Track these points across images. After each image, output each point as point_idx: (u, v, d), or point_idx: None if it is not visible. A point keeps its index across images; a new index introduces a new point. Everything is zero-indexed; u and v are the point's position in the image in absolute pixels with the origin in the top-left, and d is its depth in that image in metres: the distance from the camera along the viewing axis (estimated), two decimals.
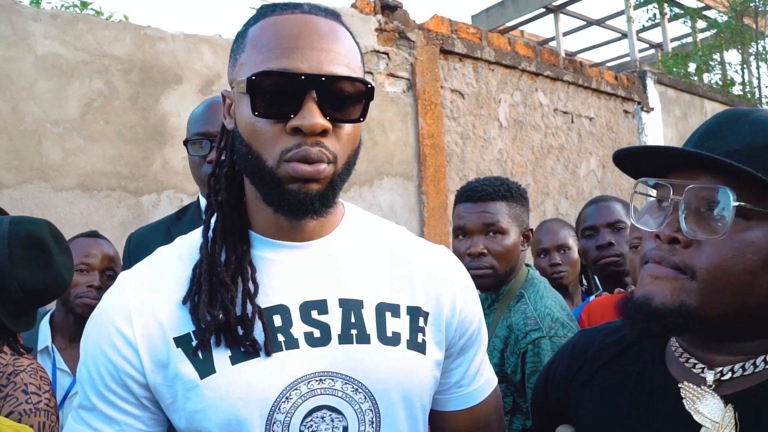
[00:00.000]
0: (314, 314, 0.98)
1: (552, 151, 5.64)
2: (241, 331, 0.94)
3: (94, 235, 2.25)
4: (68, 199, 3.10)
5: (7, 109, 3.00)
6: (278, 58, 0.90)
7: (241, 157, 0.96)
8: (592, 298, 2.39)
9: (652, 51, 16.13)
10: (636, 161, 0.97)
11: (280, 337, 0.95)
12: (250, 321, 0.94)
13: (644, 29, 15.27)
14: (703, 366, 0.91)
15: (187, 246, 1.04)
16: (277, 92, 0.89)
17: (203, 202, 1.94)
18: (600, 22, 15.13)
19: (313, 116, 0.88)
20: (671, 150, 0.89)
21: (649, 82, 6.70)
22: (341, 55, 0.93)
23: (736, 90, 12.42)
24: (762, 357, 0.87)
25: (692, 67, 12.89)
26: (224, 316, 0.93)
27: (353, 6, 4.45)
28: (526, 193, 1.96)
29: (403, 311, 1.03)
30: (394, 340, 1.01)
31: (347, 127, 0.94)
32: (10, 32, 3.04)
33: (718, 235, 0.81)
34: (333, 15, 0.98)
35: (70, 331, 2.13)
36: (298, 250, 1.01)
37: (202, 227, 1.03)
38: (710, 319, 0.85)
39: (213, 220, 1.02)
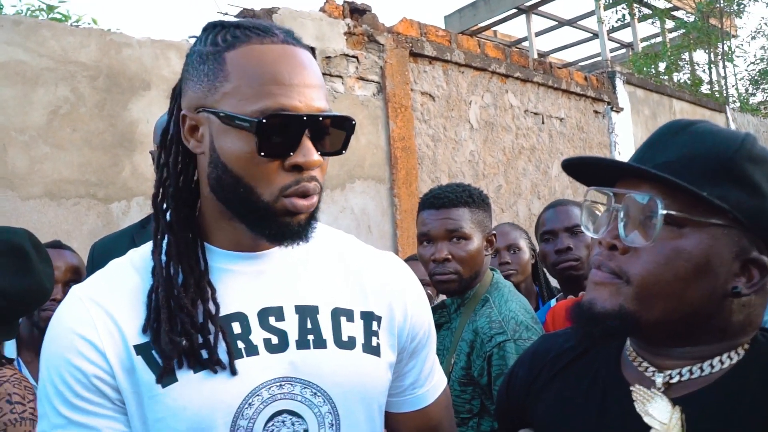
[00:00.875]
0: (272, 321, 1.00)
1: (523, 152, 5.69)
2: (205, 354, 0.95)
3: (56, 245, 2.21)
4: (36, 207, 3.06)
5: None
6: (275, 96, 0.93)
7: (224, 187, 0.97)
8: (553, 301, 2.43)
9: (623, 50, 16.36)
10: (587, 170, 1.00)
11: (240, 344, 0.97)
12: (214, 342, 0.95)
13: (614, 29, 15.47)
14: (654, 369, 0.94)
15: (141, 258, 1.05)
16: (280, 132, 0.93)
17: None
18: (571, 23, 15.29)
19: (312, 153, 0.94)
20: (607, 162, 0.93)
21: (618, 83, 6.80)
22: (322, 89, 0.98)
23: (705, 89, 12.64)
24: (708, 361, 0.90)
25: (662, 66, 13.10)
26: (187, 342, 0.94)
27: (322, 10, 4.45)
28: (488, 198, 1.99)
29: (357, 316, 1.07)
30: (349, 344, 1.04)
31: (328, 158, 1.00)
32: None
33: (649, 240, 0.84)
34: (301, 42, 1.01)
35: (36, 344, 2.09)
36: (256, 260, 1.04)
37: (150, 245, 1.03)
38: (648, 324, 0.88)
39: (164, 243, 1.02)
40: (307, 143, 0.93)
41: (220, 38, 0.97)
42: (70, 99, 3.24)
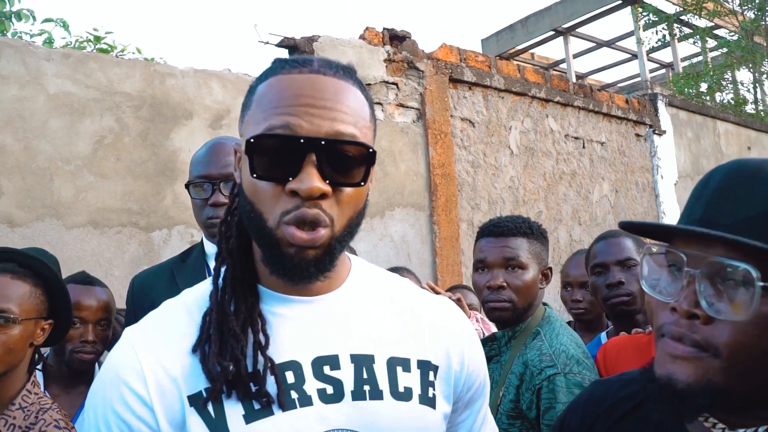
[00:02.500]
0: (326, 370, 0.96)
1: (564, 177, 5.60)
2: (253, 387, 0.91)
3: (86, 281, 2.14)
4: (79, 236, 3.10)
5: (20, 147, 3.02)
6: (279, 116, 0.90)
7: (244, 213, 0.96)
8: (603, 336, 2.35)
9: (663, 71, 16.13)
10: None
11: (294, 394, 0.93)
12: (263, 375, 0.92)
13: (654, 49, 15.28)
14: (723, 426, 0.87)
15: (194, 299, 1.02)
16: (276, 154, 0.89)
17: (207, 245, 1.93)
18: (610, 44, 15.16)
19: (311, 180, 0.87)
20: (680, 230, 0.85)
21: (660, 105, 6.67)
22: (346, 114, 0.92)
23: (750, 109, 12.36)
24: None
25: (704, 86, 12.87)
26: (234, 368, 0.91)
27: (361, 37, 4.47)
28: (546, 233, 1.99)
29: (413, 365, 1.02)
30: (406, 395, 1.00)
31: (348, 191, 0.93)
32: (23, 72, 3.07)
33: (743, 314, 0.77)
34: (344, 72, 0.97)
35: (64, 379, 2.08)
36: (307, 305, 1.00)
37: (211, 277, 1.02)
38: (740, 394, 0.81)
39: (223, 269, 1.01)
40: (308, 169, 0.87)
41: (263, 73, 0.98)
42: (114, 129, 3.29)
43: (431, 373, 1.04)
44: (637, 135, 6.42)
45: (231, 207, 1.04)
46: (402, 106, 4.54)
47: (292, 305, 0.99)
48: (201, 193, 1.85)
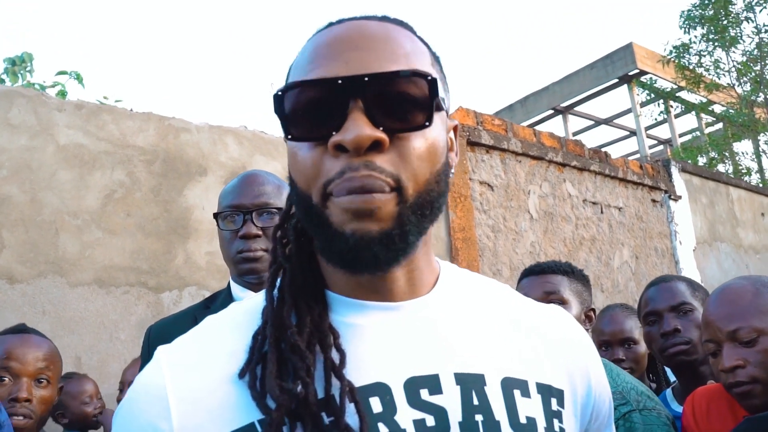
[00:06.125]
0: (424, 395, 0.72)
1: (584, 243, 5.41)
2: (327, 419, 0.67)
3: (21, 330, 1.82)
4: (84, 295, 2.85)
5: (26, 199, 2.82)
6: (315, 69, 0.71)
7: (294, 203, 0.76)
8: (668, 392, 2.10)
9: (661, 147, 16.30)
10: None
11: (382, 428, 0.69)
12: (339, 402, 0.67)
13: (652, 126, 15.49)
14: None
15: (245, 312, 0.79)
16: (314, 107, 0.69)
17: (235, 288, 1.70)
18: (608, 121, 15.37)
19: (358, 127, 0.66)
20: None
21: (674, 171, 6.57)
22: (395, 53, 0.72)
23: (754, 179, 12.39)
24: None
25: (702, 160, 12.95)
26: (303, 390, 0.67)
27: None
28: (588, 278, 1.97)
29: (532, 389, 0.78)
30: (529, 427, 0.74)
31: (415, 140, 0.70)
32: (34, 122, 2.92)
33: None
34: (395, 20, 0.78)
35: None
36: (391, 312, 0.76)
37: (264, 290, 0.79)
38: None
39: (279, 279, 0.79)
40: (355, 116, 0.67)
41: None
42: (125, 183, 3.10)
43: (554, 401, 0.79)
44: (653, 200, 6.29)
45: (288, 212, 0.82)
46: None
47: (371, 313, 0.76)
48: (230, 224, 1.64)
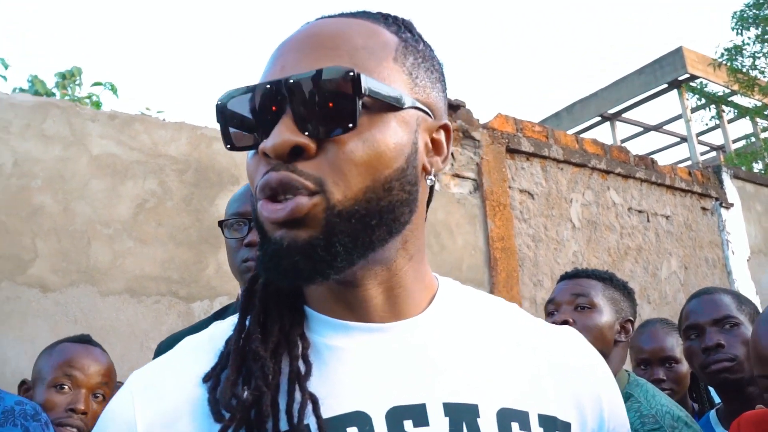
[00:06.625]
0: (408, 426, 0.65)
1: (630, 253, 5.22)
2: (285, 426, 0.62)
3: (84, 340, 1.80)
4: (115, 304, 2.86)
5: (59, 209, 2.84)
6: (261, 76, 0.69)
7: None
8: (712, 414, 1.95)
9: (714, 154, 15.77)
10: None
11: None
12: (298, 417, 0.62)
13: (703, 132, 15.01)
14: None
15: (223, 331, 0.73)
16: (247, 114, 0.66)
17: None
18: (658, 128, 14.96)
19: (279, 133, 0.63)
20: None
21: (725, 177, 6.30)
22: (336, 50, 0.66)
23: None
24: None
25: (758, 166, 12.47)
26: (254, 399, 0.62)
27: None
28: (632, 291, 1.84)
29: (534, 421, 0.69)
30: None
31: (351, 143, 0.63)
32: (68, 133, 2.95)
33: None
34: (359, 13, 0.73)
35: None
36: (376, 334, 0.69)
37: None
38: None
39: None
40: (282, 121, 0.63)
41: None
42: (157, 192, 3.11)
43: None
44: (703, 208, 6.04)
45: None
46: (458, 176, 4.30)
47: (354, 334, 0.69)
48: (236, 233, 1.62)
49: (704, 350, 1.78)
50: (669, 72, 13.09)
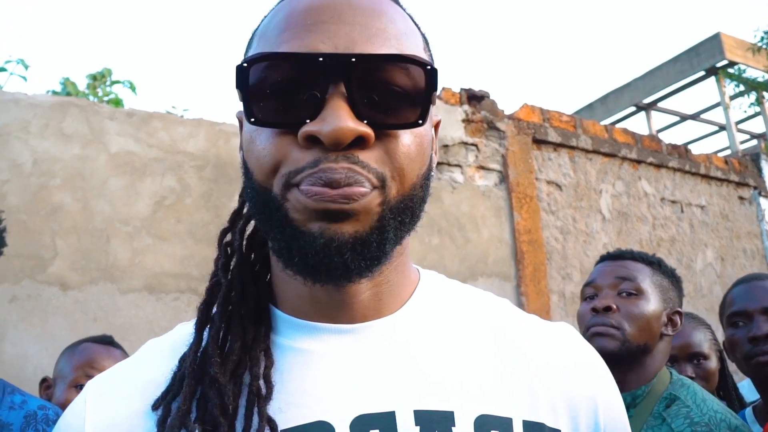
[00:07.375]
0: None
1: (663, 244, 5.07)
2: None
3: (106, 341, 1.81)
4: (134, 302, 2.87)
5: (78, 207, 2.86)
6: (287, 40, 0.58)
7: (246, 192, 0.64)
8: (748, 411, 1.85)
9: (755, 142, 15.30)
10: None
11: None
12: None
13: (744, 120, 14.60)
14: None
15: (187, 335, 0.68)
16: (286, 87, 0.57)
17: None
18: (695, 116, 14.58)
19: (339, 118, 0.55)
20: None
21: (764, 165, 6.09)
22: (386, 32, 0.59)
23: None
24: None
25: None
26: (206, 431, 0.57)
27: (438, 97, 4.24)
28: (681, 279, 1.63)
29: (518, 428, 0.63)
30: None
31: (405, 136, 0.59)
32: (86, 131, 2.96)
33: None
34: None
35: None
36: (347, 335, 0.65)
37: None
38: None
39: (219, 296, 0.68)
40: (335, 103, 0.55)
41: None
42: (176, 189, 3.11)
43: None
44: (741, 198, 5.84)
45: (240, 211, 0.72)
46: (483, 168, 4.22)
47: (324, 336, 0.64)
48: None
49: (751, 339, 1.67)
50: (706, 59, 12.72)
